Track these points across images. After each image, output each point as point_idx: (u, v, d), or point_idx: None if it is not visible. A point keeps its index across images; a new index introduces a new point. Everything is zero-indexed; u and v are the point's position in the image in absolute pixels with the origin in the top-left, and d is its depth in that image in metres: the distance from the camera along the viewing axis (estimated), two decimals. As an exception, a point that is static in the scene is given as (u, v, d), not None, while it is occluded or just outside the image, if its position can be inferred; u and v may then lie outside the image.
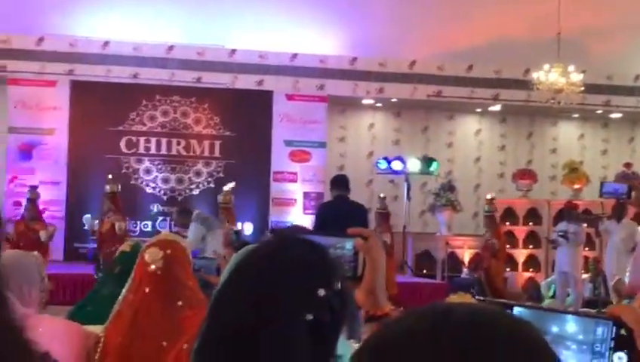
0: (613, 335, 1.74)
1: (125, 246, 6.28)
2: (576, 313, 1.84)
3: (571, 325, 1.78)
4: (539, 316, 1.83)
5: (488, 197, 17.07)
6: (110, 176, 15.69)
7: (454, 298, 4.40)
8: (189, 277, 4.11)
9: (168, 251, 4.08)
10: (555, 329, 1.77)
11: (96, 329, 4.26)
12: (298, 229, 2.06)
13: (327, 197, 18.33)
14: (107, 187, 15.30)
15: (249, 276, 1.82)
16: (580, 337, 1.77)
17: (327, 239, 2.01)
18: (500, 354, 1.09)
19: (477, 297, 10.43)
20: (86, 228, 16.25)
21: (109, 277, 6.10)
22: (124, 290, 4.23)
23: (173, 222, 14.49)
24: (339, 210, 10.97)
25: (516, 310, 1.83)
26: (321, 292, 1.76)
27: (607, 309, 1.95)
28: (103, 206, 15.57)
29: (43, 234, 14.95)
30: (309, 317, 1.74)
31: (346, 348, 1.86)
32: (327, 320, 1.76)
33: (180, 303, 3.91)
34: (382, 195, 17.58)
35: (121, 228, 14.69)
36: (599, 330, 1.76)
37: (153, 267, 4.02)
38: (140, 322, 3.98)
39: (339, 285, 1.83)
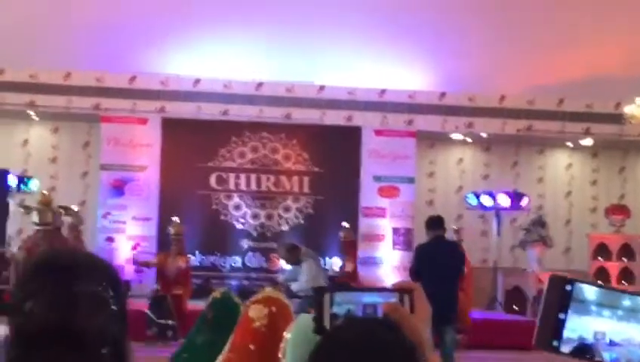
0: None
1: (216, 293, 6.30)
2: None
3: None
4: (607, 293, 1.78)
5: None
6: (176, 219, 15.89)
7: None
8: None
9: (273, 308, 4.04)
10: (626, 303, 1.74)
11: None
12: (341, 287, 1.98)
13: (418, 234, 18.31)
14: (170, 229, 15.69)
15: None
16: None
17: (371, 295, 1.95)
18: None
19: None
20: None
21: (202, 324, 6.12)
22: (224, 350, 4.20)
23: (284, 260, 14.52)
24: (437, 250, 11.05)
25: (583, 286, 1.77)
26: None
27: None
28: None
29: None
30: None
31: None
32: None
33: (282, 360, 3.87)
34: (346, 225, 17.39)
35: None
36: None
37: (258, 324, 3.99)
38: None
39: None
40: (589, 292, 1.75)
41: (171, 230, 15.68)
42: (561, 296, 1.75)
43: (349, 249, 15.77)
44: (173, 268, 14.87)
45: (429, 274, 10.50)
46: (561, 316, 1.74)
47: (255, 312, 3.99)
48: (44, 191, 15.58)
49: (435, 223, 11.34)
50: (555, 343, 1.75)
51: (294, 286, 13.22)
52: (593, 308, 1.73)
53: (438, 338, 10.65)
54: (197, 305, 13.72)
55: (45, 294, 1.77)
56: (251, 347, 3.94)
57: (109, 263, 1.96)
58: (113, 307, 1.83)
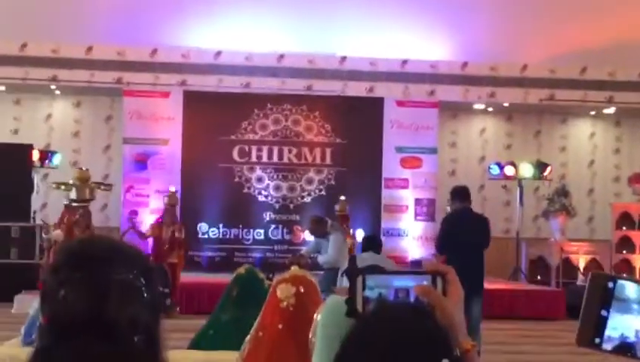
0: None
1: (240, 270, 6.33)
2: None
3: None
4: None
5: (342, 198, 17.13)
6: (172, 189, 16.34)
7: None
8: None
9: (301, 288, 4.06)
10: None
11: (223, 355, 4.28)
12: (373, 270, 1.98)
13: (440, 204, 18.32)
14: (165, 198, 15.75)
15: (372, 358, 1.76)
16: None
17: (403, 278, 1.95)
18: None
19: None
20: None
21: (227, 301, 6.15)
22: (253, 328, 4.22)
23: (309, 232, 14.59)
24: (464, 222, 11.00)
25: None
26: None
27: None
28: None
29: None
30: None
31: None
32: None
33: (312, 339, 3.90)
34: (342, 197, 17.15)
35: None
36: None
37: (285, 303, 4.01)
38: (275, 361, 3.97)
39: (457, 351, 1.80)
40: (631, 289, 1.75)
41: (166, 199, 15.70)
42: (603, 294, 1.75)
43: (343, 223, 15.60)
44: (167, 237, 14.89)
45: (456, 246, 10.56)
46: (604, 313, 1.75)
47: (283, 292, 4.02)
48: (82, 167, 15.39)
49: (462, 194, 11.29)
50: (597, 340, 1.76)
51: (320, 259, 13.27)
52: (635, 306, 1.73)
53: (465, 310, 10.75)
54: (220, 278, 13.85)
55: (79, 282, 1.80)
56: (280, 326, 3.97)
57: (140, 250, 1.99)
58: (145, 295, 1.85)
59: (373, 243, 11.39)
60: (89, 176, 14.48)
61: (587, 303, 1.77)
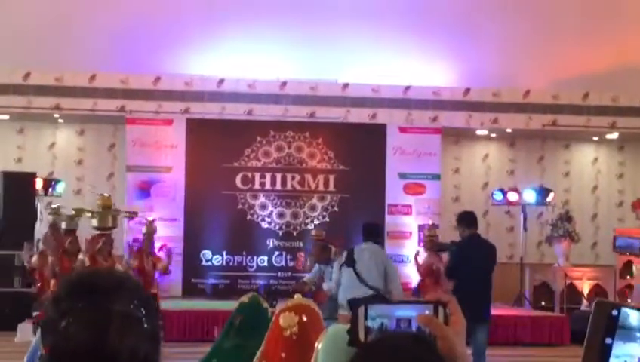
0: None
1: (244, 298, 6.32)
2: None
3: None
4: None
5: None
6: (150, 218, 16.19)
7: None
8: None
9: (304, 316, 4.05)
10: None
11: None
12: (375, 300, 1.98)
13: (444, 230, 18.29)
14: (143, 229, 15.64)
15: None
16: None
17: (405, 308, 1.95)
18: None
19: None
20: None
21: (230, 329, 6.14)
22: (256, 357, 4.21)
23: (312, 259, 14.51)
24: (474, 249, 11.05)
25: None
26: None
27: None
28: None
29: None
30: None
31: None
32: None
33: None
34: (318, 222, 17.09)
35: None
36: None
37: (288, 332, 3.99)
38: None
39: None
40: (635, 317, 1.74)
41: (144, 229, 15.57)
42: (607, 322, 1.75)
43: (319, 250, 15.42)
44: (150, 267, 14.74)
45: (466, 273, 10.63)
46: (608, 341, 1.74)
47: (286, 321, 4.01)
48: (105, 194, 15.10)
49: (470, 220, 11.31)
50: None
51: (325, 286, 13.24)
52: (638, 334, 1.73)
53: (470, 336, 10.75)
54: (223, 307, 13.81)
55: (80, 313, 1.80)
56: (282, 355, 3.96)
57: (139, 281, 1.99)
58: (146, 325, 1.85)
59: (373, 232, 11.44)
60: (111, 202, 14.13)
61: (591, 331, 1.77)
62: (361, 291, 9.83)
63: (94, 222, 12.89)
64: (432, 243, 16.06)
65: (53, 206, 15.33)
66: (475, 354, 10.76)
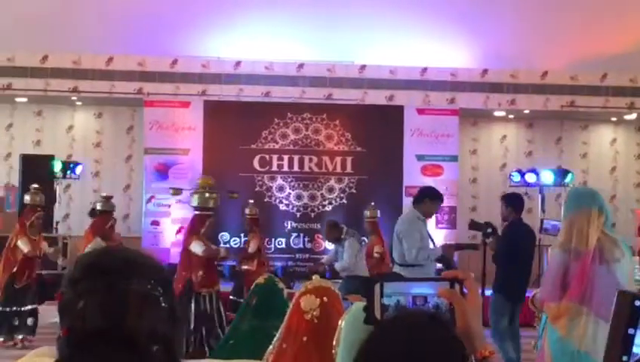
0: None
1: (260, 279, 6.34)
2: None
3: None
4: None
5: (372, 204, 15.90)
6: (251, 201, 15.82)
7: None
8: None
9: (325, 299, 4.05)
10: None
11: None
12: (393, 277, 1.99)
13: (462, 212, 18.26)
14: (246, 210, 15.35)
15: None
16: None
17: (421, 286, 1.96)
18: None
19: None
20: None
21: (246, 310, 6.16)
22: (276, 339, 4.21)
23: (323, 237, 14.52)
24: (523, 235, 11.06)
25: None
26: None
27: None
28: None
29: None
30: None
31: None
32: None
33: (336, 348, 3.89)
34: (251, 201, 15.97)
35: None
36: None
37: (310, 316, 4.00)
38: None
39: (473, 358, 1.81)
40: None
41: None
42: (630, 312, 1.75)
43: (252, 225, 15.28)
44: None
45: (514, 258, 10.64)
46: (631, 331, 1.74)
47: (307, 303, 4.01)
48: (206, 176, 14.45)
49: (521, 204, 11.24)
50: (624, 358, 1.75)
51: (337, 266, 13.27)
52: None
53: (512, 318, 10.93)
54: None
55: (97, 294, 1.81)
56: (304, 338, 3.97)
57: (158, 260, 2.00)
58: (163, 304, 1.86)
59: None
60: (213, 183, 13.39)
61: (614, 322, 1.77)
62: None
63: (193, 202, 12.29)
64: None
65: (103, 194, 15.05)
66: (515, 335, 10.93)
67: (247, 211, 15.38)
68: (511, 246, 10.77)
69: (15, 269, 13.05)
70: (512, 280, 10.65)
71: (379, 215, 15.65)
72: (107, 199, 14.49)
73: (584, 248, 5.59)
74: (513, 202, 11.20)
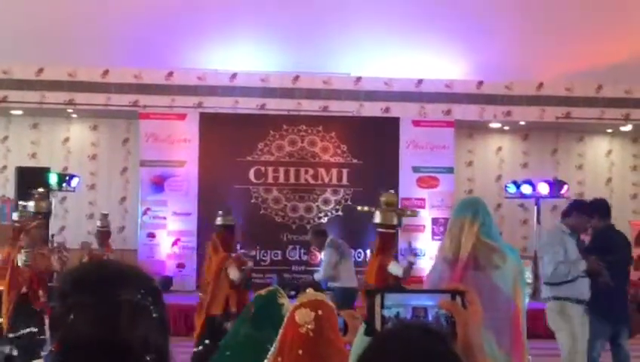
0: None
1: (262, 291, 6.34)
2: None
3: None
4: None
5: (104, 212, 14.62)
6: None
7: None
8: (339, 338, 4.07)
9: (320, 312, 4.04)
10: None
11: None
12: (391, 289, 2.01)
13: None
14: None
15: None
16: None
17: (421, 298, 1.96)
18: None
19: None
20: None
21: (245, 316, 6.16)
22: (271, 353, 4.21)
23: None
24: (616, 243, 9.97)
25: None
26: None
27: None
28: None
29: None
30: None
31: None
32: None
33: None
34: (104, 212, 14.70)
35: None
36: None
37: (305, 329, 3.99)
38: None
39: None
40: None
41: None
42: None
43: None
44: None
45: (609, 270, 9.28)
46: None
47: (302, 317, 4.00)
48: (391, 191, 13.79)
49: (608, 210, 10.06)
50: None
51: (316, 276, 13.23)
52: None
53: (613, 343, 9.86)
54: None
55: (87, 306, 1.80)
56: (300, 352, 3.96)
57: (146, 271, 1.99)
58: (154, 314, 1.85)
59: None
60: (396, 200, 13.20)
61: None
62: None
63: (376, 219, 12.04)
64: None
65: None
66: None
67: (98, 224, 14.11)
68: (608, 249, 9.62)
69: (25, 289, 12.02)
70: (611, 297, 9.43)
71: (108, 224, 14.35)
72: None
73: (457, 255, 5.57)
74: (597, 209, 9.92)
